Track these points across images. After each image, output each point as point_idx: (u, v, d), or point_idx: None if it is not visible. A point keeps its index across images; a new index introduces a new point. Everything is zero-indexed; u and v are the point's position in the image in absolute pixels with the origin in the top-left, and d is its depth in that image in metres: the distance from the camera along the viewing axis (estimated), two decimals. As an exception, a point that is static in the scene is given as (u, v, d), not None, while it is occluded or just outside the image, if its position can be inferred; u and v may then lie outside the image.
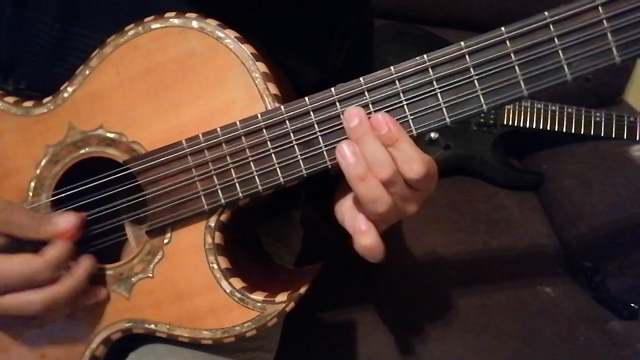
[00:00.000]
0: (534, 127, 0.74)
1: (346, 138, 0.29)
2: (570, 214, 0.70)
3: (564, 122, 0.73)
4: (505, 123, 0.75)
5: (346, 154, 0.28)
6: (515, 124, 0.75)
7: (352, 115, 0.28)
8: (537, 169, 0.80)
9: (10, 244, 0.29)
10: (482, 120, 0.77)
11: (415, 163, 0.27)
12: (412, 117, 0.28)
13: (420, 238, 0.67)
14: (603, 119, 0.73)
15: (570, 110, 0.73)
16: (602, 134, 0.73)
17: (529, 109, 0.74)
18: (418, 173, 0.27)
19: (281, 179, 0.30)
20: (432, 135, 0.75)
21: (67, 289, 0.29)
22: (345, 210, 0.31)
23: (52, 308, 0.29)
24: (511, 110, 0.75)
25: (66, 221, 0.29)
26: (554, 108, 0.73)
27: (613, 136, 0.73)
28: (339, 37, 0.39)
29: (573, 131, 0.73)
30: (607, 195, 0.68)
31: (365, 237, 0.28)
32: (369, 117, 0.28)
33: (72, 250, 0.30)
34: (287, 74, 0.34)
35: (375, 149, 0.27)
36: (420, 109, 0.28)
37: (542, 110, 0.73)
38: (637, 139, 0.72)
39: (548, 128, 0.73)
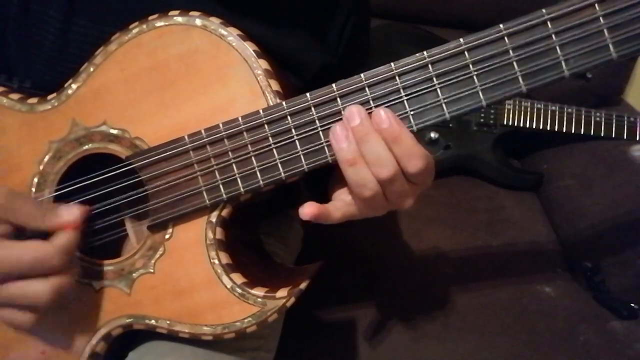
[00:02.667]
0: (534, 127, 0.74)
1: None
2: (570, 213, 0.70)
3: (564, 122, 0.73)
4: (505, 123, 0.76)
5: (340, 138, 0.28)
6: (515, 124, 0.75)
7: (353, 114, 0.28)
8: (537, 169, 0.81)
9: (12, 233, 0.28)
10: (482, 120, 0.77)
11: (415, 158, 0.28)
12: (412, 112, 0.29)
13: (420, 238, 0.67)
14: (603, 119, 0.73)
15: (570, 110, 0.73)
16: (602, 134, 0.73)
17: (529, 109, 0.74)
18: (419, 167, 0.28)
19: (282, 174, 0.30)
20: (432, 135, 0.75)
21: (74, 275, 0.29)
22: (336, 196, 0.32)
23: (60, 298, 0.28)
24: (511, 110, 0.75)
25: (71, 213, 0.29)
26: (554, 108, 0.74)
27: (613, 136, 0.73)
28: (339, 22, 0.39)
29: (573, 131, 0.73)
30: (607, 195, 0.68)
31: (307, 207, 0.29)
32: (370, 113, 0.28)
33: (80, 240, 0.29)
34: (290, 61, 0.34)
35: (377, 148, 0.28)
36: (420, 105, 0.29)
37: (542, 110, 0.74)
38: (637, 139, 0.72)
39: (548, 128, 0.73)
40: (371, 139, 0.28)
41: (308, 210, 0.29)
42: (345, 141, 0.28)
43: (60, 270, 0.28)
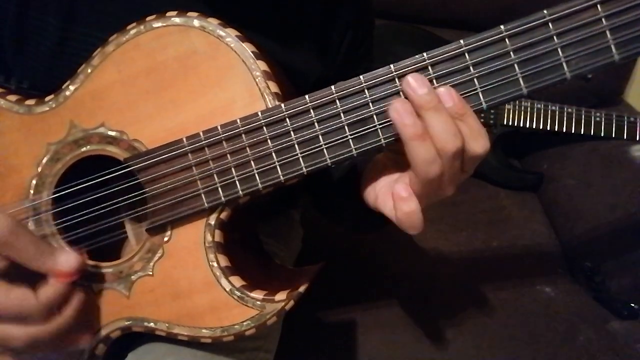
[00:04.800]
0: (534, 127, 0.74)
1: (347, 136, 0.29)
2: (570, 214, 0.70)
3: (564, 122, 0.73)
4: (505, 123, 0.76)
5: (403, 114, 0.27)
6: (515, 124, 0.75)
7: (420, 83, 0.26)
8: (537, 169, 0.81)
9: (8, 268, 0.28)
10: (482, 120, 0.77)
11: (482, 136, 0.27)
12: (411, 115, 0.29)
13: (420, 238, 0.67)
14: (603, 119, 0.73)
15: (570, 110, 0.73)
16: (602, 134, 0.73)
17: (529, 109, 0.74)
18: (485, 147, 0.27)
19: (281, 176, 0.30)
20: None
21: (52, 331, 0.29)
22: (380, 189, 0.31)
23: (33, 345, 0.29)
24: (511, 110, 0.75)
25: (68, 262, 0.29)
26: (554, 108, 0.74)
27: (613, 136, 0.73)
28: (338, 34, 0.39)
29: (573, 131, 0.73)
30: (607, 195, 0.68)
31: (408, 203, 0.28)
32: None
33: (67, 292, 0.29)
34: (288, 72, 0.34)
35: (447, 119, 0.26)
36: (420, 107, 0.28)
37: (542, 110, 0.74)
38: (637, 139, 0.72)
39: (548, 128, 0.73)
40: (441, 110, 0.26)
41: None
42: (411, 117, 0.26)
43: (43, 320, 0.28)
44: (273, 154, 0.30)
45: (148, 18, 0.31)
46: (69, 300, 0.30)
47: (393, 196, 0.29)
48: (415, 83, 0.27)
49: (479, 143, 0.27)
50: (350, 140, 0.29)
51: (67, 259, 0.29)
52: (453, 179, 0.29)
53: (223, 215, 0.32)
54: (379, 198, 0.31)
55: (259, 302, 0.31)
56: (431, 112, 0.26)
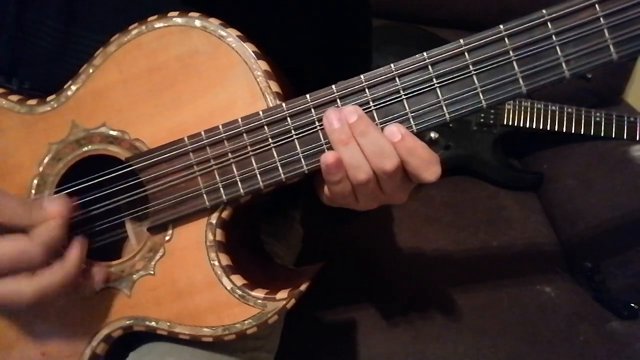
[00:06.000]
0: (534, 127, 0.74)
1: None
2: (570, 214, 0.70)
3: (564, 122, 0.73)
4: (505, 123, 0.76)
5: (332, 120, 0.28)
6: (515, 124, 0.75)
7: (350, 112, 0.28)
8: (537, 169, 0.81)
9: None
10: (482, 120, 0.77)
11: (433, 165, 0.28)
12: (412, 113, 0.29)
13: (420, 238, 0.67)
14: (603, 119, 0.73)
15: (570, 110, 0.73)
16: (602, 134, 0.73)
17: (529, 109, 0.74)
18: (437, 174, 0.28)
19: (282, 175, 0.30)
20: (432, 135, 0.76)
21: (60, 277, 0.27)
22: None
23: (43, 300, 0.27)
24: (511, 110, 0.75)
25: (56, 204, 0.27)
26: (554, 108, 0.74)
27: (613, 136, 0.73)
28: (339, 32, 0.40)
29: (573, 131, 0.73)
30: (607, 195, 0.68)
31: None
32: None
33: (65, 230, 0.27)
34: (288, 71, 0.34)
35: (380, 140, 0.28)
36: (420, 106, 0.29)
37: (542, 110, 0.74)
38: (637, 139, 0.72)
39: (548, 128, 0.73)
40: (371, 131, 0.28)
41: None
42: (339, 122, 0.28)
43: (45, 267, 0.27)
44: (274, 152, 0.30)
45: (150, 18, 0.31)
46: (72, 243, 0.28)
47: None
48: (347, 113, 0.28)
49: (430, 172, 0.28)
50: (351, 139, 0.29)
51: (53, 202, 0.27)
52: (400, 190, 0.29)
53: (224, 214, 0.32)
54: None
55: (260, 301, 0.31)
56: (362, 135, 0.28)
